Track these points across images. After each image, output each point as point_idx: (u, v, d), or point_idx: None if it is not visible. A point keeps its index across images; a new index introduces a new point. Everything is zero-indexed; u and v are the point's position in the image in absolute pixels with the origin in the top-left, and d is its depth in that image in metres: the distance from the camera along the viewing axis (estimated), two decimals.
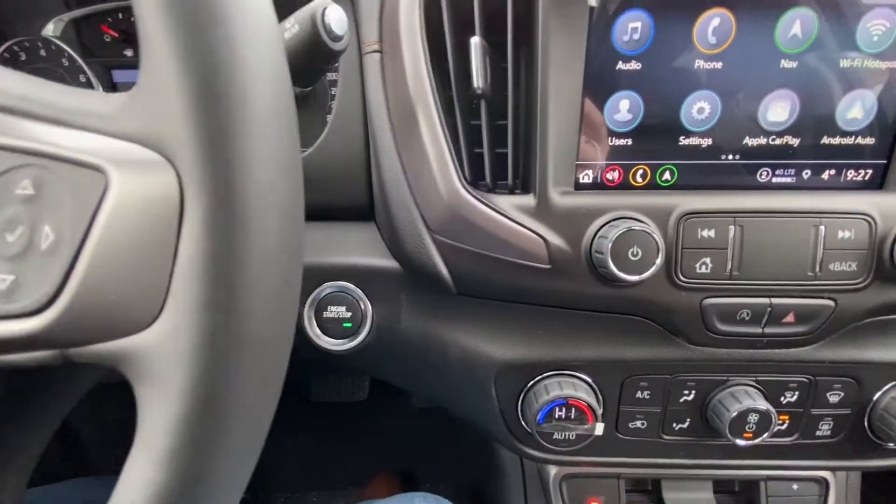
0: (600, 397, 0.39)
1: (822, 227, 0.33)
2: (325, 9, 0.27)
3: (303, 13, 0.27)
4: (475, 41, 0.33)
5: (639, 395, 0.39)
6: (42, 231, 0.16)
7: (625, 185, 0.38)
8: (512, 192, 0.36)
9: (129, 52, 0.52)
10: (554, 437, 0.37)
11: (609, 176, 0.38)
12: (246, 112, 0.15)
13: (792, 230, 0.33)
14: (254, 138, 0.15)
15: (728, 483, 0.46)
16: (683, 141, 0.37)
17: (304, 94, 0.37)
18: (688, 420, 0.40)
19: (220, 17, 0.15)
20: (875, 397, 0.38)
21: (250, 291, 0.16)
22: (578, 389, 0.37)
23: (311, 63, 0.29)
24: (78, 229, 0.15)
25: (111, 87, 0.53)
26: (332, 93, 0.44)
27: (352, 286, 0.40)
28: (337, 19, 0.27)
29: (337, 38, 0.27)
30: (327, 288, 0.40)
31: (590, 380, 0.39)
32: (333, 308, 0.40)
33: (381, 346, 0.41)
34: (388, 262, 0.40)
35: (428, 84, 0.34)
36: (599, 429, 0.37)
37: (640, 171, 0.38)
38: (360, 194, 0.41)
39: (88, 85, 0.51)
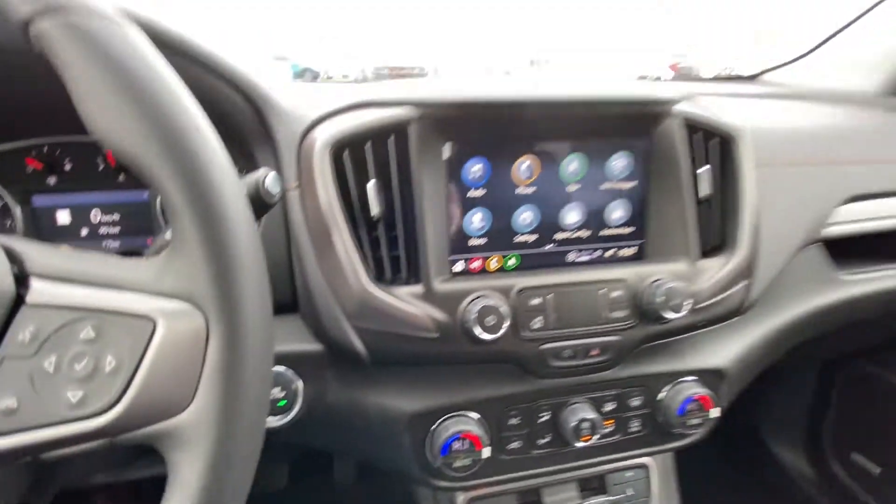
0: (487, 428, 0.52)
1: (603, 291, 0.51)
2: (265, 177, 0.39)
3: (249, 179, 0.39)
4: (370, 185, 0.48)
5: (512, 422, 0.53)
6: (106, 359, 0.24)
7: (484, 271, 0.54)
8: (406, 283, 0.49)
9: (51, 181, 0.57)
10: (454, 465, 0.49)
11: (473, 265, 0.54)
12: (244, 271, 0.26)
13: (586, 294, 0.51)
14: (250, 286, 0.26)
15: (586, 481, 0.61)
16: (518, 238, 0.55)
17: None
18: (548, 435, 0.54)
19: (224, 210, 0.26)
20: (658, 398, 0.57)
21: (249, 384, 0.26)
22: (469, 424, 0.50)
23: (256, 211, 0.40)
24: (134, 357, 0.24)
25: (31, 212, 0.57)
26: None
27: (283, 369, 0.49)
28: (273, 183, 0.39)
29: (272, 196, 0.39)
30: None
31: (477, 416, 0.52)
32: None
33: (312, 418, 0.49)
34: (314, 346, 0.50)
35: (338, 211, 0.47)
36: (487, 452, 0.50)
37: (494, 260, 0.55)
38: (284, 293, 0.51)
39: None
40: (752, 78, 1.30)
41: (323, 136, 0.48)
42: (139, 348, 0.25)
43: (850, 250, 0.68)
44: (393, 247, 0.49)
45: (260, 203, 0.39)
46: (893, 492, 1.12)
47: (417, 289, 0.48)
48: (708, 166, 0.55)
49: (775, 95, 1.10)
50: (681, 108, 0.54)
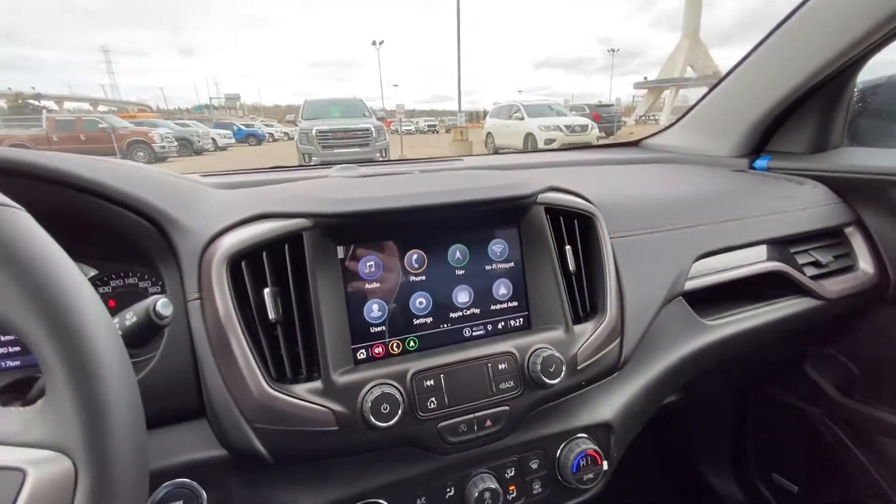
0: None
1: (490, 365, 0.57)
2: (156, 303, 0.42)
3: (139, 307, 0.42)
4: (267, 292, 0.52)
5: (419, 502, 0.56)
6: None
7: (387, 355, 0.58)
8: (307, 380, 0.53)
9: None
10: None
11: (376, 350, 0.58)
12: (115, 421, 0.29)
13: (474, 371, 0.56)
14: (120, 434, 0.29)
15: None
16: (416, 321, 0.60)
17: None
18: None
19: (95, 366, 0.30)
20: (556, 456, 0.62)
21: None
22: None
23: (148, 334, 0.43)
24: None
25: None
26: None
27: (187, 480, 0.49)
28: (163, 307, 0.43)
29: (163, 318, 0.43)
30: (165, 487, 0.49)
31: (385, 502, 0.54)
32: None
33: None
34: (218, 451, 0.51)
35: (235, 318, 0.51)
36: None
37: (395, 344, 0.59)
38: (191, 399, 0.53)
39: None
40: (636, 143, 1.51)
41: (221, 250, 0.53)
42: (10, 499, 0.27)
43: (709, 300, 0.80)
44: (293, 345, 0.53)
45: (152, 326, 0.43)
46: None
47: (317, 384, 0.52)
48: (569, 247, 0.65)
49: (650, 160, 1.28)
50: (543, 197, 0.64)
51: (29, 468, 0.28)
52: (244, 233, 0.54)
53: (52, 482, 0.27)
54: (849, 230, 0.97)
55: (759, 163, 1.15)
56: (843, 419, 1.11)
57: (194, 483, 0.49)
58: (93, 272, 0.63)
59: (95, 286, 0.62)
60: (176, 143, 16.84)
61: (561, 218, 0.66)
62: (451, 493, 0.57)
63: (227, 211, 0.58)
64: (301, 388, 0.51)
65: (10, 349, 0.59)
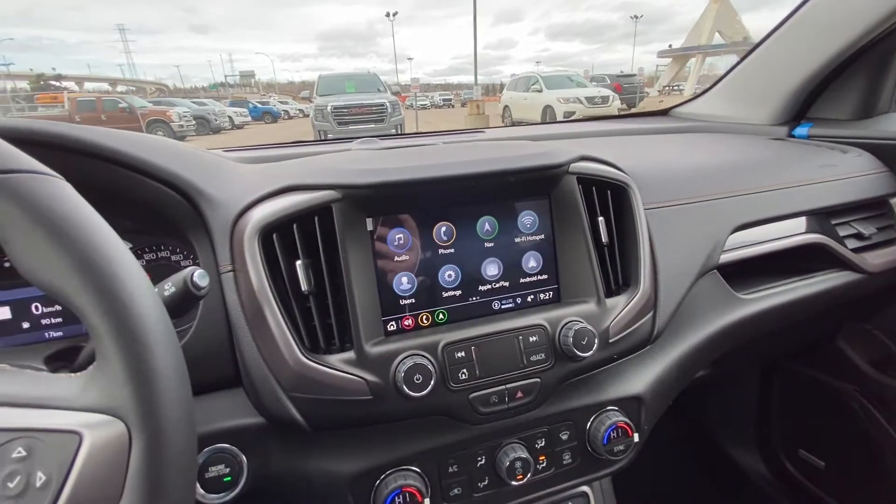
0: (426, 480, 0.55)
1: (520, 338, 0.57)
2: (193, 274, 0.43)
3: (177, 278, 0.43)
4: (299, 264, 0.52)
5: (451, 469, 0.57)
6: (36, 474, 0.27)
7: (417, 327, 0.58)
8: (340, 350, 0.53)
9: None
10: None
11: (406, 322, 0.59)
12: (163, 384, 0.30)
13: (505, 343, 0.56)
14: (168, 397, 0.30)
15: None
16: (445, 294, 0.60)
17: None
18: (486, 478, 0.58)
19: (141, 331, 0.30)
20: (587, 428, 0.62)
21: (172, 485, 0.29)
22: (409, 478, 0.53)
23: (186, 305, 0.43)
24: (63, 469, 0.27)
25: None
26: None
27: (227, 445, 0.51)
28: (200, 278, 0.43)
29: (201, 289, 0.43)
30: (207, 451, 0.51)
31: (417, 469, 0.55)
32: (213, 468, 0.50)
33: (257, 489, 0.52)
34: (256, 419, 0.53)
35: (269, 290, 0.51)
36: (427, 502, 0.53)
37: (424, 316, 0.59)
38: (228, 368, 0.54)
39: None
40: (665, 112, 1.45)
41: (252, 222, 0.53)
42: (67, 461, 0.28)
43: (745, 273, 0.77)
44: (325, 317, 0.54)
45: (190, 296, 0.43)
46: (839, 483, 1.21)
47: (350, 355, 0.52)
48: (601, 218, 0.63)
49: (681, 130, 1.23)
50: (576, 167, 0.62)
51: (85, 431, 0.28)
52: (274, 205, 0.54)
53: (108, 445, 0.28)
54: (894, 200, 0.92)
55: (800, 130, 1.09)
56: (876, 395, 1.09)
57: (234, 448, 0.51)
58: (127, 245, 0.64)
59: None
60: (194, 122, 16.97)
61: (594, 188, 0.64)
62: (483, 462, 0.58)
63: (255, 183, 0.58)
64: (335, 359, 0.52)
65: (53, 320, 0.61)
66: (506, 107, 14.43)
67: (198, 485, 0.50)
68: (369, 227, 0.56)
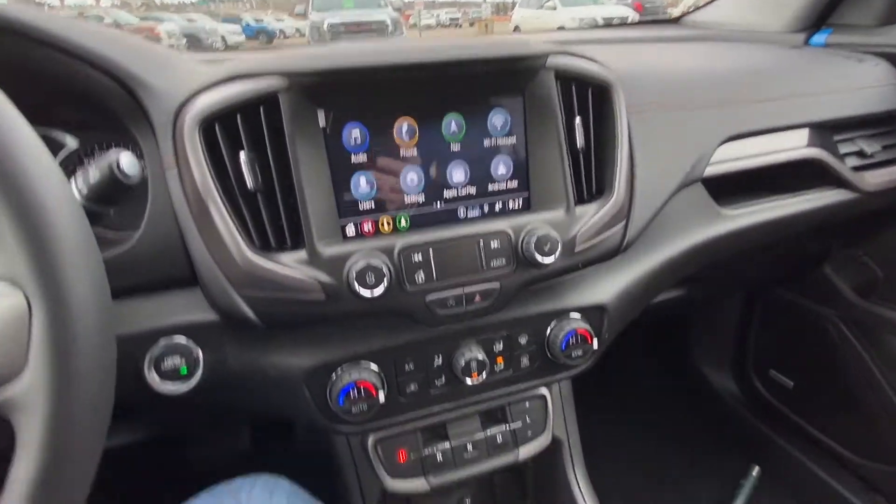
0: (382, 376, 0.57)
1: (481, 242, 0.55)
2: (118, 158, 0.40)
3: (101, 163, 0.40)
4: (242, 156, 0.49)
5: (407, 367, 0.58)
6: None
7: (378, 233, 0.57)
8: (292, 250, 0.52)
9: None
10: (353, 411, 0.54)
11: (365, 227, 0.57)
12: (60, 249, 0.28)
13: (465, 247, 0.54)
14: (71, 260, 0.29)
15: (489, 413, 0.68)
16: (407, 199, 0.57)
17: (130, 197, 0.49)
18: (443, 377, 0.59)
19: (37, 198, 0.28)
20: (546, 334, 0.62)
21: (82, 354, 0.29)
22: (363, 373, 0.54)
23: (115, 192, 0.41)
24: None
25: None
26: None
27: (182, 338, 0.52)
28: (129, 164, 0.41)
29: (129, 177, 0.41)
30: (162, 344, 0.51)
31: (373, 365, 0.56)
32: (169, 359, 0.51)
33: (215, 382, 0.53)
34: (210, 316, 0.53)
35: (213, 185, 0.49)
36: (382, 397, 0.54)
37: (385, 221, 0.57)
38: (183, 267, 0.53)
39: None
40: (675, 20, 1.32)
41: (192, 113, 0.49)
42: None
43: (730, 187, 0.74)
44: (276, 216, 0.51)
45: (119, 184, 0.41)
46: (804, 401, 1.26)
47: (301, 254, 0.51)
48: (579, 119, 0.58)
49: (689, 38, 1.12)
50: (554, 61, 0.56)
51: None
52: (216, 94, 0.50)
53: (5, 314, 0.27)
54: None
55: (818, 38, 0.99)
56: (855, 320, 1.09)
57: (190, 342, 0.51)
58: (74, 143, 0.60)
59: (78, 158, 0.60)
60: (184, 40, 15.98)
61: (573, 87, 0.59)
62: (440, 362, 0.59)
63: (200, 74, 0.53)
64: (286, 258, 0.50)
65: None
66: (516, 27, 13.42)
67: (155, 375, 0.51)
68: (321, 121, 0.52)
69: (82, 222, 0.31)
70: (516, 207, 0.61)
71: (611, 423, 1.40)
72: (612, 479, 0.76)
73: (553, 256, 0.54)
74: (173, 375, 0.51)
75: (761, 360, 1.37)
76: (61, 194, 0.30)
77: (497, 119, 0.58)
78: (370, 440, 0.62)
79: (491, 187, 0.59)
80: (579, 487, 0.73)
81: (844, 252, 1.09)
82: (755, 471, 1.29)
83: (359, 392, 0.53)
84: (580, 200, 0.60)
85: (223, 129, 0.50)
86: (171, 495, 0.57)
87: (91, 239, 0.31)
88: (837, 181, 0.80)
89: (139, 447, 1.17)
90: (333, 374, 0.55)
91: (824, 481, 1.15)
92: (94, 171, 0.40)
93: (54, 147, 0.59)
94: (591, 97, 0.60)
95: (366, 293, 0.49)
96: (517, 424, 0.66)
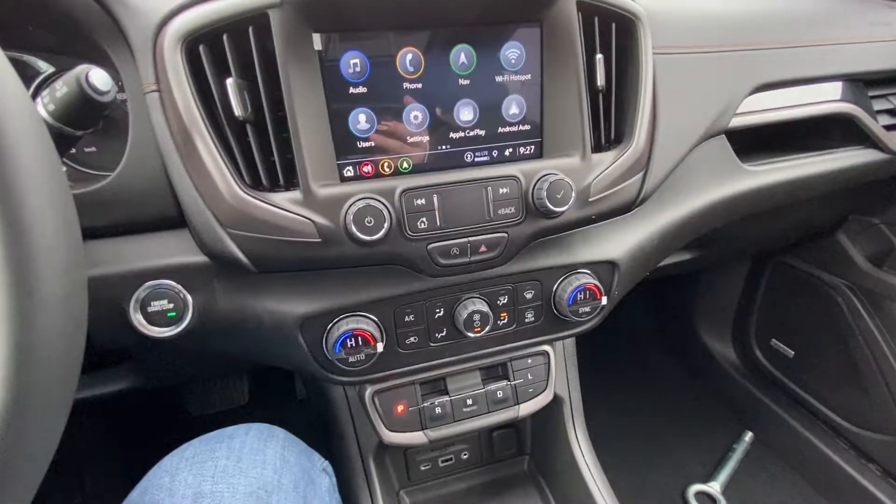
0: (381, 326, 0.54)
1: (489, 188, 0.51)
2: (87, 72, 0.36)
3: (69, 77, 0.36)
4: (230, 82, 0.44)
5: (406, 319, 0.55)
6: None
7: (377, 175, 0.52)
8: (286, 189, 0.48)
9: None
10: (349, 360, 0.51)
11: (365, 169, 0.52)
12: (18, 161, 0.25)
13: (471, 193, 0.50)
14: (27, 178, 0.25)
15: (490, 369, 0.66)
16: (410, 139, 0.53)
17: (105, 128, 0.45)
18: (444, 329, 0.57)
19: None
20: (553, 290, 0.59)
21: (39, 275, 0.25)
22: (361, 323, 0.52)
23: (86, 112, 0.37)
24: None
25: None
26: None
27: (170, 282, 0.48)
28: (100, 79, 0.36)
29: (102, 93, 0.36)
30: (148, 286, 0.48)
31: (372, 315, 0.54)
32: (156, 302, 0.48)
33: (205, 327, 0.50)
34: (199, 258, 0.49)
35: (197, 111, 0.44)
36: (380, 347, 0.52)
37: (386, 164, 0.53)
38: (170, 206, 0.50)
39: None
40: None
41: (173, 31, 0.44)
42: None
43: (752, 142, 0.69)
44: (268, 151, 0.47)
45: (90, 101, 0.36)
46: (803, 370, 1.25)
47: (296, 194, 0.47)
48: (600, 56, 0.53)
49: None
50: None
51: None
52: (200, 11, 0.44)
53: None
54: None
55: None
56: (865, 290, 1.07)
57: (177, 285, 0.48)
58: (49, 68, 0.55)
59: (51, 83, 0.55)
60: None
61: (596, 19, 0.53)
62: (441, 314, 0.56)
63: None
64: (279, 197, 0.47)
65: None
66: None
67: (141, 317, 0.48)
68: (317, 45, 0.47)
69: (42, 134, 0.27)
70: (527, 153, 0.56)
71: (605, 387, 1.41)
72: (602, 441, 0.76)
73: (566, 206, 0.50)
74: (161, 319, 0.48)
75: (763, 330, 1.36)
76: (18, 101, 0.26)
77: (511, 52, 0.52)
78: (368, 392, 0.61)
79: (501, 130, 0.55)
80: (580, 446, 0.72)
81: (861, 219, 1.05)
82: (748, 436, 1.30)
83: (356, 341, 0.51)
84: (597, 147, 0.56)
85: (209, 53, 0.45)
86: (168, 443, 0.56)
87: (55, 160, 0.27)
88: (867, 140, 0.75)
89: (142, 398, 1.17)
90: (330, 323, 0.52)
91: (818, 449, 1.16)
92: (60, 86, 0.35)
93: (28, 72, 0.54)
94: (615, 32, 0.54)
95: (364, 237, 0.46)
96: (519, 381, 0.65)
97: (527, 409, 0.66)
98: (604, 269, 0.60)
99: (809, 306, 1.20)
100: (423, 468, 0.79)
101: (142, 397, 1.23)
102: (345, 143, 0.50)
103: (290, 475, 0.53)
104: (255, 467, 0.51)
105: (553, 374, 0.66)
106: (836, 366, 1.15)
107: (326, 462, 0.61)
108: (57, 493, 0.97)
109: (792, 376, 1.29)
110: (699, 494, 1.17)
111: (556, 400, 0.72)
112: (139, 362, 0.70)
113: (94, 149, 0.56)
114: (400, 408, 0.62)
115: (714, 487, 1.17)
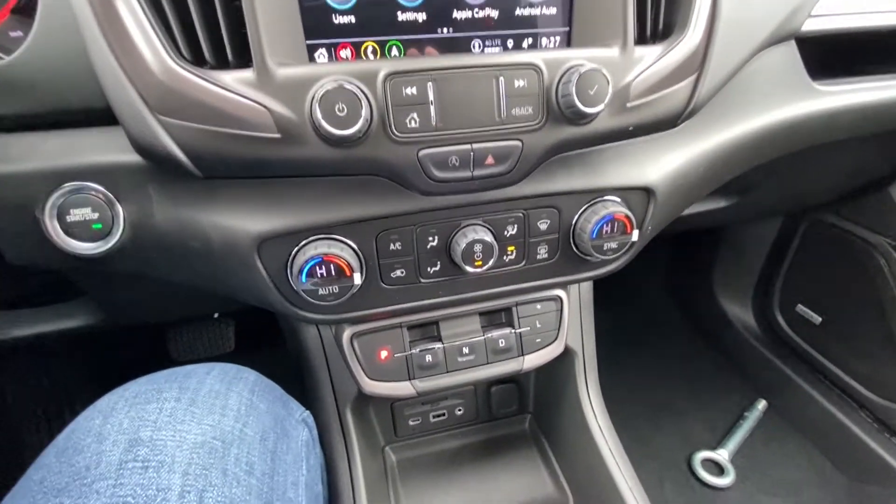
0: (360, 254, 0.44)
1: (502, 79, 0.39)
2: None
3: None
4: None
5: (392, 247, 0.45)
6: None
7: (358, 61, 0.41)
8: (235, 68, 0.37)
9: None
10: (319, 293, 0.42)
11: (342, 53, 0.41)
12: None
13: (479, 83, 0.39)
14: None
15: (491, 314, 0.57)
16: (401, 16, 0.41)
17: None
18: (438, 263, 0.47)
19: None
20: (573, 221, 0.49)
21: None
22: (334, 248, 0.42)
23: None
24: None
25: None
26: None
27: (93, 185, 0.39)
28: None
29: None
30: (66, 189, 0.38)
31: (347, 240, 0.43)
32: (77, 211, 0.38)
33: (141, 244, 0.41)
34: (131, 157, 0.39)
35: None
36: (357, 279, 0.43)
37: (370, 48, 0.42)
38: (97, 96, 0.39)
39: None
40: None
41: None
42: None
43: (829, 54, 0.56)
44: (212, 15, 0.36)
45: None
46: (831, 340, 1.16)
47: (248, 74, 0.36)
48: None
49: None
50: None
51: None
52: None
53: None
54: None
55: None
56: None
57: (102, 189, 0.38)
58: None
59: None
60: None
61: None
62: (434, 243, 0.46)
63: None
64: (226, 76, 0.36)
65: None
66: None
67: (58, 227, 0.39)
68: None
69: None
70: (551, 46, 0.44)
71: (615, 349, 1.33)
72: (611, 404, 0.69)
73: (599, 106, 0.39)
74: (85, 231, 0.39)
75: (789, 294, 1.26)
76: None
77: None
78: (346, 333, 0.52)
79: (520, 12, 0.43)
80: (592, 406, 0.64)
81: None
82: (761, 404, 1.23)
83: (327, 269, 0.41)
84: (640, 39, 0.44)
85: None
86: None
87: None
88: None
89: (129, 338, 1.11)
90: (297, 247, 0.42)
91: (837, 420, 1.09)
92: None
93: None
94: None
95: (334, 131, 0.35)
96: (525, 329, 0.55)
97: (532, 361, 0.57)
98: (637, 196, 0.49)
99: (845, 268, 1.09)
100: (411, 423, 0.72)
101: (130, 338, 1.17)
102: (316, 17, 0.39)
103: (257, 424, 0.45)
104: (211, 413, 0.43)
105: (566, 323, 0.56)
106: (868, 332, 1.06)
107: (308, 412, 0.53)
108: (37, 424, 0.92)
109: (815, 344, 1.20)
110: (706, 462, 1.11)
111: (567, 353, 0.63)
112: (91, 295, 0.62)
113: (19, 33, 0.45)
114: (384, 353, 0.53)
115: (722, 455, 1.11)
